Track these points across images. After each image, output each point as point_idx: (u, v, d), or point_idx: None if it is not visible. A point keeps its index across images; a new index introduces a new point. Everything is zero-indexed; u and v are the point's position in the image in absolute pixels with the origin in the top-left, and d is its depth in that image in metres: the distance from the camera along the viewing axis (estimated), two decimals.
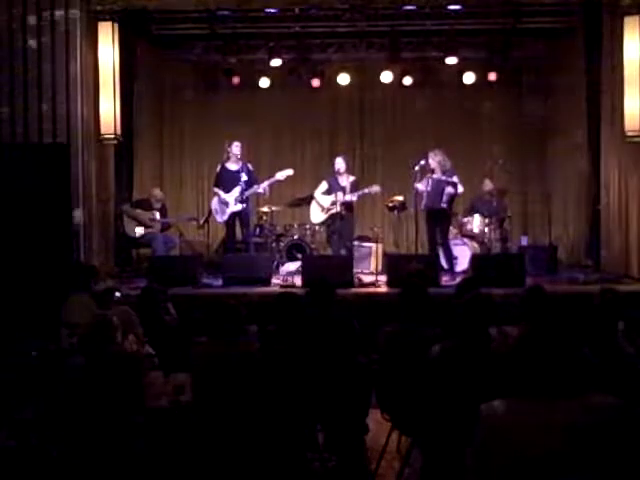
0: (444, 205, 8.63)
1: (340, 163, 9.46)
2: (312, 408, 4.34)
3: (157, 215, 9.90)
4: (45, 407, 4.01)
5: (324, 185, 9.58)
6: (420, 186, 8.71)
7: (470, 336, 3.79)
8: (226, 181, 9.37)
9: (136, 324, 5.33)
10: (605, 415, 2.26)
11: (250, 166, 9.51)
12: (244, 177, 9.23)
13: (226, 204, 9.36)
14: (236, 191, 9.24)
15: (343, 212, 9.32)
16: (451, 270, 8.79)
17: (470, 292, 5.00)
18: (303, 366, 4.36)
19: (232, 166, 9.40)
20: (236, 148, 9.40)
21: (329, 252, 9.74)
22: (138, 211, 9.85)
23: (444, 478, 3.74)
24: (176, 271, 8.26)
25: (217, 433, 3.92)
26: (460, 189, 8.74)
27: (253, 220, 9.99)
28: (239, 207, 9.28)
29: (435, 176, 8.64)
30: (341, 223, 9.34)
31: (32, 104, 8.04)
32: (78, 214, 8.02)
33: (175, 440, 3.96)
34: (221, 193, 9.42)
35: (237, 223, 9.53)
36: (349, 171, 9.55)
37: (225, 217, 9.44)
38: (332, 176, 9.51)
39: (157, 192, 10.22)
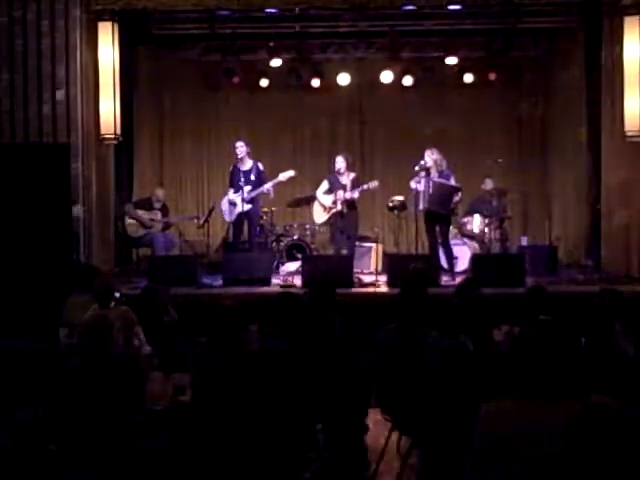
0: (447, 212, 8.64)
1: (340, 162, 9.33)
2: (312, 408, 4.34)
3: (158, 215, 9.91)
4: (44, 407, 4.01)
5: (325, 184, 9.44)
6: (414, 184, 8.67)
7: (470, 336, 3.80)
8: (236, 181, 9.37)
9: (136, 324, 5.33)
10: (604, 416, 2.26)
11: (261, 166, 9.44)
12: (252, 177, 9.23)
13: (234, 204, 9.36)
14: (243, 191, 9.24)
15: (345, 210, 9.25)
16: (451, 270, 8.77)
17: (470, 292, 5.02)
18: (303, 366, 4.36)
19: (242, 166, 9.39)
20: (237, 148, 9.37)
21: (329, 252, 9.71)
22: (139, 211, 9.85)
23: (443, 478, 3.74)
24: (176, 271, 8.25)
25: (217, 433, 3.92)
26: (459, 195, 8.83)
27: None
28: (246, 207, 9.26)
29: (435, 179, 8.58)
30: (343, 221, 9.27)
31: (32, 104, 8.04)
32: (77, 209, 8.01)
33: (175, 440, 3.96)
34: (230, 193, 9.44)
35: (245, 223, 9.53)
36: (350, 168, 9.42)
37: (233, 217, 9.45)
38: (333, 175, 9.44)
39: (160, 192, 10.24)
